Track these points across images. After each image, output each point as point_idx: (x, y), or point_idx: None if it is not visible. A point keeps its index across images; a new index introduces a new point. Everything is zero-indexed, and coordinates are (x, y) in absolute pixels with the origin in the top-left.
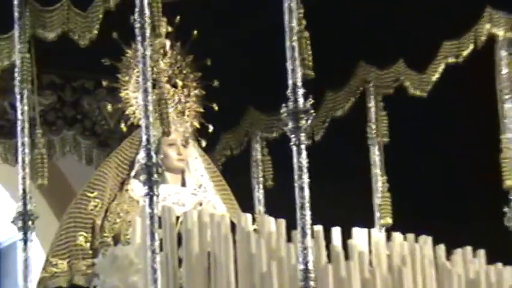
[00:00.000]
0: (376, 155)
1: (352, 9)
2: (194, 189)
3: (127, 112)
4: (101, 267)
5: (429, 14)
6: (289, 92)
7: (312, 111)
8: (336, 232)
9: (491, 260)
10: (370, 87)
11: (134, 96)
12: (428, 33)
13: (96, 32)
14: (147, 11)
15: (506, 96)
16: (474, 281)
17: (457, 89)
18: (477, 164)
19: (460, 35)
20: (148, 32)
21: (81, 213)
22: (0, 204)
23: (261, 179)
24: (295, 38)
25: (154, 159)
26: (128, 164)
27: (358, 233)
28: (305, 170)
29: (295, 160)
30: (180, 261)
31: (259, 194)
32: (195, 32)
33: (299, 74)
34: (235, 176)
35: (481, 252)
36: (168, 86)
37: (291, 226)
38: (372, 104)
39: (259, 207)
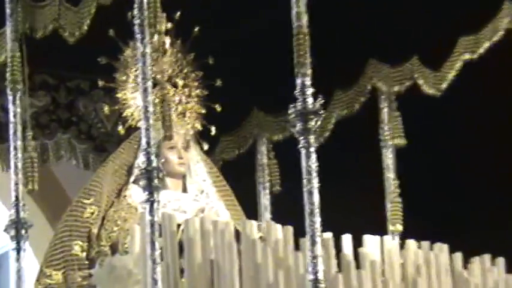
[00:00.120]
0: (388, 158)
1: (361, 4)
2: (196, 195)
3: (125, 114)
4: (98, 278)
5: (443, 9)
6: (297, 91)
7: (322, 111)
8: (347, 240)
9: (510, 268)
10: (382, 86)
11: (132, 97)
12: (443, 29)
13: (86, 28)
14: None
15: None
16: None
17: (473, 87)
18: (496, 168)
19: (477, 30)
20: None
21: (77, 221)
22: None
23: (267, 184)
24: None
25: (154, 164)
26: (126, 169)
27: (370, 241)
28: (314, 174)
29: (303, 163)
30: (181, 271)
31: (265, 200)
32: (196, 28)
33: (308, 73)
34: (239, 181)
35: (500, 261)
36: (168, 86)
37: (298, 234)
38: (384, 104)
39: (265, 214)
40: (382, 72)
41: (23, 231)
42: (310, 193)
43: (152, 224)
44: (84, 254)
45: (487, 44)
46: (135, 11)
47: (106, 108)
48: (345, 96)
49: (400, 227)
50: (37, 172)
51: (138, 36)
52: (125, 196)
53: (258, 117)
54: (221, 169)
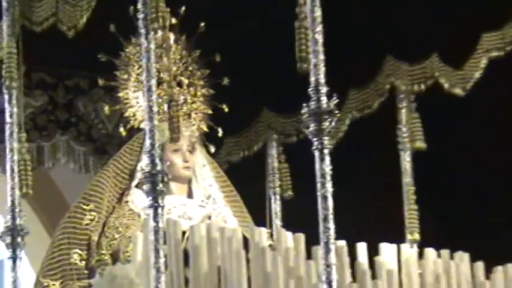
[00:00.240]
0: (407, 162)
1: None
2: (202, 201)
3: (126, 114)
4: None
5: (462, 4)
6: (311, 90)
7: (337, 111)
8: (362, 248)
9: None
10: (400, 85)
11: (134, 96)
12: (463, 25)
13: (84, 21)
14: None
15: None
16: None
17: (494, 85)
18: None
19: (499, 26)
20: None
21: (76, 228)
22: None
23: (277, 189)
24: (318, 29)
25: (159, 167)
26: (128, 173)
27: (387, 249)
28: (328, 178)
29: (317, 166)
30: (186, 281)
31: (275, 206)
32: (202, 24)
33: (322, 70)
34: (247, 186)
35: None
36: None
37: (310, 241)
38: (402, 103)
39: (276, 221)
40: (400, 70)
41: (19, 239)
42: (324, 198)
43: (156, 231)
44: (83, 263)
45: None
46: (139, 5)
47: (107, 108)
48: (361, 96)
49: (417, 236)
50: (31, 175)
51: (142, 31)
52: (127, 201)
53: (268, 118)
54: (228, 173)
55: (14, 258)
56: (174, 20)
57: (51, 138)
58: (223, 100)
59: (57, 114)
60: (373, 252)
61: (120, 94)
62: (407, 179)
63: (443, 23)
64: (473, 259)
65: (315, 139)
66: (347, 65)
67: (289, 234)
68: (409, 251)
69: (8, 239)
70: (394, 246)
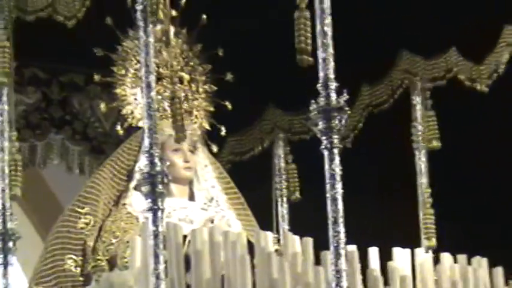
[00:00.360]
0: (422, 162)
1: None
2: (204, 203)
3: (124, 112)
4: None
5: None
6: (320, 85)
7: (347, 108)
8: (374, 253)
9: None
10: (416, 81)
11: (132, 93)
12: (486, 16)
13: (83, 11)
14: None
15: None
16: None
17: None
18: None
19: None
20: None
21: (70, 233)
22: None
23: (284, 191)
24: (328, 21)
25: (158, 167)
26: (126, 174)
27: (400, 254)
28: (338, 179)
29: (326, 167)
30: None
31: (282, 209)
32: (204, 16)
33: (331, 65)
34: (253, 187)
35: None
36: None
37: (319, 246)
38: (417, 100)
39: (282, 224)
40: (416, 65)
41: (10, 244)
42: (334, 200)
43: (155, 235)
44: (79, 269)
45: None
46: None
47: (103, 106)
48: (374, 92)
49: (434, 242)
50: (21, 177)
51: (140, 24)
52: (125, 204)
53: (274, 115)
54: (231, 174)
55: (5, 264)
56: (174, 12)
57: (44, 137)
58: (226, 97)
59: (51, 111)
60: (385, 257)
61: (117, 91)
62: (422, 179)
63: (461, 14)
64: (492, 264)
65: (324, 137)
66: (359, 60)
67: (296, 238)
68: (423, 256)
69: None
70: (408, 250)
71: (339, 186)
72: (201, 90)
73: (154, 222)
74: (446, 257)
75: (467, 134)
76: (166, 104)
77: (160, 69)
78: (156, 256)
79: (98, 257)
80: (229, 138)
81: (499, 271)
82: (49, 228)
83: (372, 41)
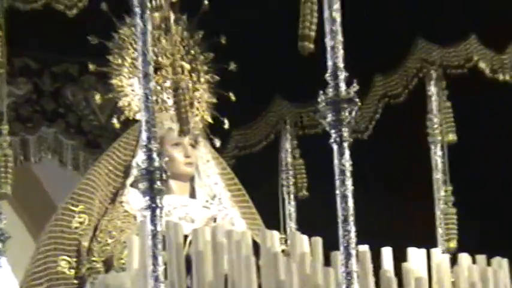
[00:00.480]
0: (438, 156)
1: None
2: (206, 201)
3: (121, 104)
4: None
5: None
6: (328, 75)
7: (357, 100)
8: (387, 253)
9: None
10: (433, 70)
11: (129, 84)
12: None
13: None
14: None
15: None
16: None
17: None
18: None
19: None
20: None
21: (63, 233)
22: None
23: (291, 188)
24: (336, 6)
25: (156, 163)
26: (123, 170)
27: (415, 254)
28: (348, 174)
29: (336, 161)
30: None
31: (289, 207)
32: (206, 1)
33: (341, 53)
34: (258, 184)
35: None
36: (171, 70)
37: (329, 246)
38: (433, 91)
39: (290, 223)
40: (433, 53)
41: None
42: (344, 197)
43: (154, 235)
44: (72, 271)
45: None
46: None
47: (98, 97)
48: (388, 82)
49: (454, 244)
50: (11, 173)
51: (137, 10)
52: (121, 202)
53: (281, 107)
54: (235, 169)
55: None
56: None
57: (36, 131)
58: (229, 88)
59: (42, 104)
60: (399, 257)
61: (114, 81)
62: (438, 175)
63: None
64: None
65: (333, 131)
66: (371, 48)
67: (305, 238)
68: (440, 256)
69: None
70: (423, 251)
71: (349, 182)
72: (202, 80)
73: (153, 221)
74: (464, 258)
75: (486, 126)
76: (165, 96)
77: (160, 58)
78: (155, 257)
79: (93, 258)
80: (233, 132)
81: None
82: (41, 227)
83: (386, 27)
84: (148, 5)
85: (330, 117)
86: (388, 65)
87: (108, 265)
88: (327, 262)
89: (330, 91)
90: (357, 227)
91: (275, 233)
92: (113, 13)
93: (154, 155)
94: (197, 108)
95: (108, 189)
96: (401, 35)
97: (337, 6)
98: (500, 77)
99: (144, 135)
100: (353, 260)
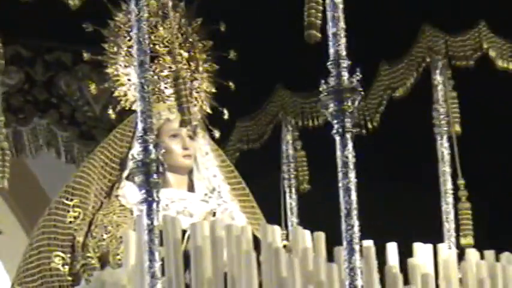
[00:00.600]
0: (444, 148)
1: None
2: (205, 195)
3: (116, 94)
4: None
5: None
6: (330, 63)
7: (361, 89)
8: (392, 248)
9: None
10: (440, 59)
11: (125, 73)
12: None
13: None
14: None
15: None
16: None
17: None
18: None
19: None
20: None
21: (57, 227)
22: None
23: (293, 181)
24: None
25: (153, 155)
26: (118, 162)
27: (421, 250)
28: (352, 167)
29: (339, 153)
30: (187, 287)
31: (291, 200)
32: None
33: (343, 41)
34: (258, 177)
35: None
36: (168, 58)
37: (332, 241)
38: (439, 80)
39: (291, 217)
40: (440, 41)
41: None
42: (347, 190)
43: (150, 230)
44: (67, 267)
45: None
46: None
47: (93, 87)
48: (394, 71)
49: (471, 240)
50: (8, 167)
51: None
52: (117, 196)
53: (283, 97)
54: (237, 162)
55: None
56: None
57: (28, 122)
58: (229, 77)
59: (35, 94)
60: (405, 253)
61: (109, 70)
62: (444, 167)
63: None
64: None
65: (335, 121)
66: (376, 36)
67: (307, 232)
68: (447, 252)
69: None
70: (430, 246)
71: (352, 174)
72: (201, 69)
73: (149, 215)
74: (472, 253)
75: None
76: (163, 85)
77: (157, 47)
78: (151, 253)
79: (88, 254)
80: (238, 124)
81: None
82: (35, 222)
83: (391, 14)
84: None
85: (332, 107)
86: (393, 54)
87: (103, 261)
88: (330, 258)
89: (332, 80)
90: (361, 222)
91: (276, 227)
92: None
93: (151, 147)
94: (196, 98)
95: (103, 182)
96: (409, 22)
97: None
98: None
99: (140, 126)
100: (357, 256)
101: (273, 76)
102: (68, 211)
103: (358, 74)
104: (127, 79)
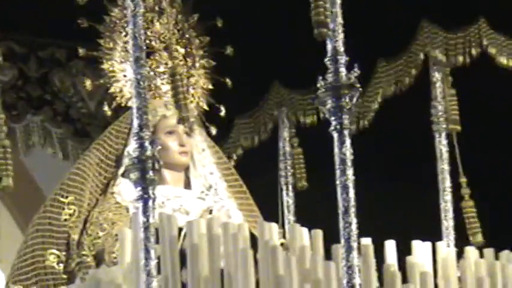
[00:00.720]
0: (442, 145)
1: None
2: (202, 192)
3: (112, 90)
4: None
5: None
6: (327, 60)
7: (359, 85)
8: (390, 246)
9: None
10: (439, 56)
11: (121, 69)
12: None
13: None
14: None
15: None
16: None
17: None
18: None
19: None
20: None
21: (52, 225)
22: None
23: (290, 179)
24: None
25: (149, 152)
26: (114, 159)
27: (420, 248)
28: (349, 164)
29: (336, 150)
30: (183, 286)
31: (288, 198)
32: None
33: (341, 36)
34: (255, 174)
35: None
36: (165, 54)
37: (329, 239)
38: (437, 77)
39: (288, 215)
40: (438, 38)
41: None
42: (345, 187)
43: (146, 228)
44: (61, 265)
45: None
46: None
47: (88, 83)
48: (392, 68)
49: (480, 237)
50: (11, 165)
51: None
52: (113, 193)
53: (280, 94)
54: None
55: None
56: None
57: (21, 119)
58: (226, 73)
59: (28, 90)
60: (403, 251)
61: (104, 66)
62: (443, 165)
63: None
64: None
65: (333, 118)
66: (375, 32)
67: (304, 230)
68: (446, 250)
69: None
70: (428, 244)
71: (350, 172)
72: (198, 65)
73: (145, 212)
74: (471, 252)
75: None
76: (159, 81)
77: (153, 42)
78: (147, 251)
79: (83, 252)
80: (237, 121)
81: None
82: (30, 219)
83: (389, 10)
84: None
85: (329, 103)
86: (391, 50)
87: (99, 259)
88: (328, 256)
89: (330, 76)
90: (359, 219)
91: (273, 225)
92: None
93: (147, 144)
94: (192, 95)
95: (99, 179)
96: (407, 18)
97: None
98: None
99: (135, 123)
100: (354, 254)
101: (270, 73)
102: (63, 208)
103: (356, 70)
104: (123, 75)
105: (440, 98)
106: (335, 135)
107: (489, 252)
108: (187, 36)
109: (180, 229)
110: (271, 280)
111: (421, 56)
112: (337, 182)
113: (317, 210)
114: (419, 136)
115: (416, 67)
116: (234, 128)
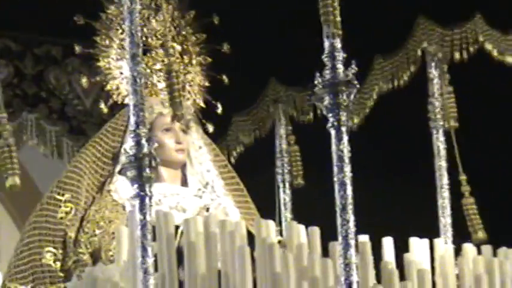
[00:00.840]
0: (440, 142)
1: None
2: (198, 190)
3: (108, 87)
4: None
5: None
6: (325, 56)
7: (356, 82)
8: (388, 244)
9: None
10: (435, 52)
11: (118, 66)
12: None
13: None
14: None
15: None
16: None
17: None
18: None
19: None
20: None
21: (49, 223)
22: None
23: (287, 176)
24: None
25: (145, 149)
26: (111, 157)
27: (418, 245)
28: (347, 161)
29: (334, 147)
30: (180, 284)
31: (285, 195)
32: None
33: (339, 32)
34: (252, 172)
35: None
36: (161, 51)
37: (327, 237)
38: (434, 73)
39: (285, 212)
40: (435, 34)
41: None
42: (342, 184)
43: (143, 225)
44: (58, 263)
45: None
46: None
47: (84, 81)
48: (389, 65)
49: (482, 234)
50: (17, 163)
51: None
52: (109, 191)
53: (277, 91)
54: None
55: None
56: None
57: (17, 117)
58: (223, 70)
59: (24, 88)
60: (401, 248)
61: (101, 64)
62: (440, 162)
63: None
64: None
65: (330, 115)
66: (371, 29)
67: (301, 228)
68: (444, 247)
69: None
70: (426, 241)
71: (347, 169)
72: (194, 62)
73: (142, 210)
74: (469, 249)
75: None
76: (156, 79)
77: (149, 39)
78: (144, 249)
79: (80, 250)
80: (235, 118)
81: None
82: (26, 217)
83: (386, 7)
84: None
85: (327, 100)
86: (388, 47)
87: (95, 257)
88: (325, 253)
89: (327, 73)
90: (356, 216)
91: (271, 222)
92: None
93: (143, 141)
94: (189, 92)
95: (95, 177)
96: (404, 15)
97: None
98: (508, 59)
99: (132, 120)
100: (352, 251)
101: (267, 70)
102: (60, 206)
103: (353, 67)
104: (119, 72)
105: (438, 95)
106: (332, 132)
107: (487, 249)
108: (183, 33)
109: (177, 227)
110: (268, 278)
111: (418, 52)
112: (335, 179)
113: (314, 208)
114: (417, 133)
115: (413, 64)
116: (232, 126)
